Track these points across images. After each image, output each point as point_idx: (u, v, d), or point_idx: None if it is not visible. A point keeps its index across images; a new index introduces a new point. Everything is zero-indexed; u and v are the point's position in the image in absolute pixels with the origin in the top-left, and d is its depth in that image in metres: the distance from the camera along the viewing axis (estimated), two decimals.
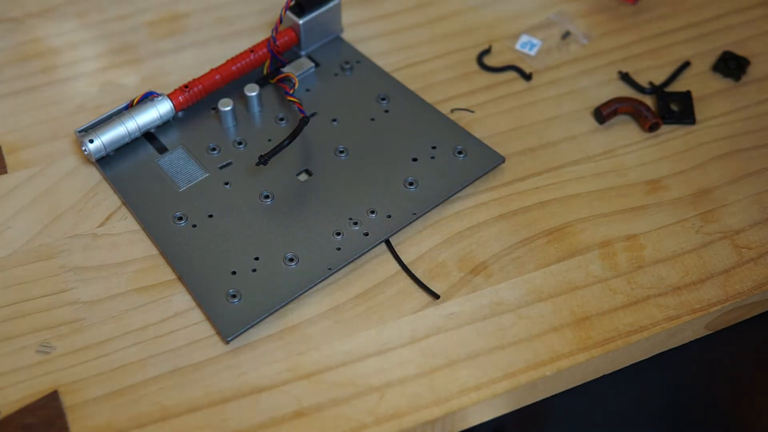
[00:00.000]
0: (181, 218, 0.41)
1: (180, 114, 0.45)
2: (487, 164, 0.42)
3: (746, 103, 0.46)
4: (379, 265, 0.40)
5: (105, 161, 0.43)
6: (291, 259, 0.39)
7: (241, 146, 0.44)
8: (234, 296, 0.38)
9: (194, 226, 0.41)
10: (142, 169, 0.43)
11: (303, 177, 0.43)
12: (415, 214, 0.41)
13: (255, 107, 0.45)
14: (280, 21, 0.46)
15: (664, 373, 0.42)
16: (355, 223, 0.40)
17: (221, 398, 0.35)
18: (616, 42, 0.49)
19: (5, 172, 0.44)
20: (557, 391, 0.38)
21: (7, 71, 0.49)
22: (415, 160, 0.43)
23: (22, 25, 0.51)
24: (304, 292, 0.38)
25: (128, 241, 0.41)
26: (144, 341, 0.37)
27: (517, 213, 0.41)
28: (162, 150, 0.44)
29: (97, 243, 0.41)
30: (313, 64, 0.47)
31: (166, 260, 0.40)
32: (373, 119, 0.45)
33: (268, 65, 0.46)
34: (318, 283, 0.38)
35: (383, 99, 0.46)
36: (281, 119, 0.45)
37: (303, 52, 0.48)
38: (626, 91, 0.47)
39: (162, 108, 0.43)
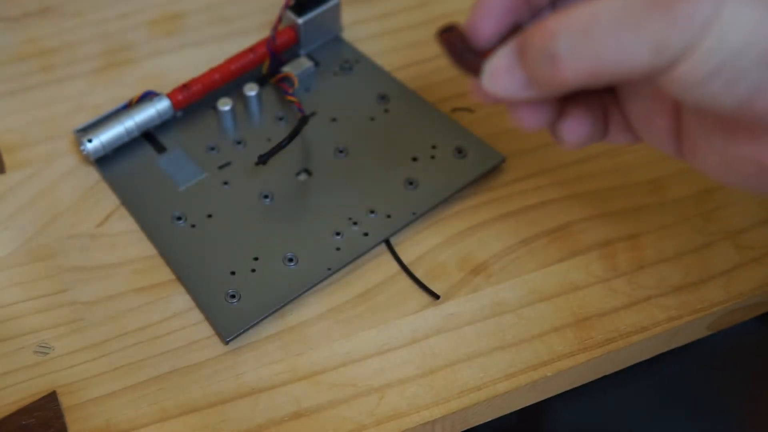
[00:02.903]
0: (179, 218, 0.41)
1: (179, 113, 0.45)
2: (487, 164, 0.42)
3: None
4: (379, 265, 0.39)
5: (103, 161, 0.43)
6: (290, 260, 0.39)
7: (241, 146, 0.44)
8: (233, 297, 0.38)
9: (193, 226, 0.40)
10: (140, 168, 0.43)
11: (303, 177, 0.42)
12: (415, 213, 0.40)
13: (254, 107, 0.45)
14: (280, 20, 0.45)
15: (665, 374, 0.42)
16: (355, 223, 0.40)
17: (220, 399, 0.35)
18: None
19: (3, 171, 0.43)
20: (558, 392, 0.38)
21: (5, 70, 0.48)
22: (415, 159, 0.42)
23: (20, 24, 0.51)
24: (304, 293, 0.38)
25: (127, 242, 0.40)
26: (142, 342, 0.37)
27: (518, 213, 0.41)
28: (161, 150, 0.43)
29: (96, 243, 0.40)
30: (312, 64, 0.47)
31: (165, 260, 0.39)
32: (373, 119, 0.45)
33: (268, 65, 0.46)
34: (318, 283, 0.38)
35: (383, 98, 0.45)
36: (281, 119, 0.45)
37: (302, 52, 0.47)
38: None
39: (161, 107, 0.43)
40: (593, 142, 0.30)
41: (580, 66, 0.23)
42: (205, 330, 0.37)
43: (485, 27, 0.27)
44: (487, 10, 0.27)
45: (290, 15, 0.46)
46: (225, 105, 0.44)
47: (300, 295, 0.38)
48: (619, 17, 0.22)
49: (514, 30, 0.26)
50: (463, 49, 0.27)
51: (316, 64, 0.47)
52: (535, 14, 0.27)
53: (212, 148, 0.43)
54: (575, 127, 0.28)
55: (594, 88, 0.25)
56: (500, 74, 0.26)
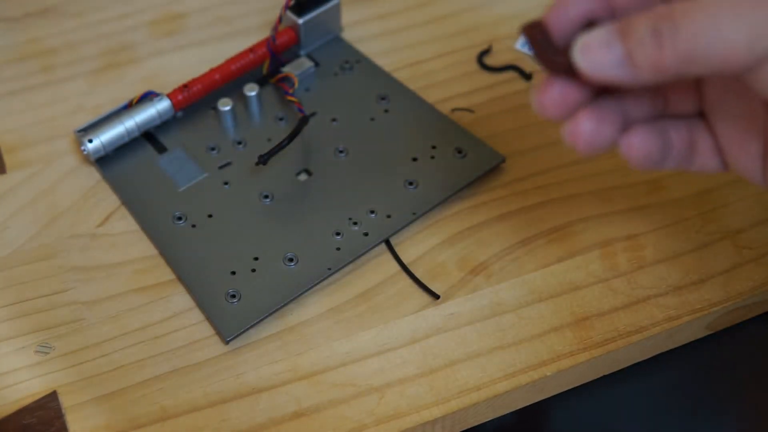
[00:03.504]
0: (180, 218, 0.41)
1: (179, 114, 0.45)
2: (487, 164, 0.42)
3: None
4: (379, 265, 0.39)
5: (104, 161, 0.43)
6: (291, 259, 0.39)
7: (241, 146, 0.44)
8: (233, 296, 0.38)
9: (194, 226, 0.40)
10: (141, 168, 0.43)
11: (303, 177, 0.42)
12: (415, 213, 0.40)
13: (254, 107, 0.45)
14: (280, 20, 0.46)
15: (665, 374, 0.42)
16: (355, 223, 0.40)
17: (220, 399, 0.35)
18: None
19: (4, 171, 0.43)
20: (558, 392, 0.38)
21: (5, 71, 0.48)
22: (415, 160, 0.43)
23: (21, 24, 0.51)
24: (304, 293, 0.38)
25: (127, 241, 0.41)
26: (143, 341, 0.37)
27: (517, 213, 0.41)
28: (161, 150, 0.44)
29: (96, 243, 0.40)
30: (312, 64, 0.47)
31: (166, 260, 0.40)
32: (373, 119, 0.45)
33: (268, 65, 0.46)
34: (318, 283, 0.38)
35: (383, 99, 0.45)
36: (281, 119, 0.45)
37: (303, 52, 0.48)
38: None
39: (161, 107, 0.43)
40: (672, 165, 0.29)
41: (679, 47, 0.24)
42: (206, 330, 0.37)
43: (562, 19, 0.27)
44: (567, 4, 0.27)
45: (290, 15, 0.46)
46: (225, 105, 0.44)
47: (300, 295, 0.38)
48: (721, 2, 0.23)
49: (587, 26, 0.27)
50: (544, 44, 0.27)
51: (316, 64, 0.47)
52: (613, 14, 0.27)
53: (212, 148, 0.43)
54: (639, 141, 0.28)
55: (685, 80, 0.26)
56: (596, 48, 0.26)
